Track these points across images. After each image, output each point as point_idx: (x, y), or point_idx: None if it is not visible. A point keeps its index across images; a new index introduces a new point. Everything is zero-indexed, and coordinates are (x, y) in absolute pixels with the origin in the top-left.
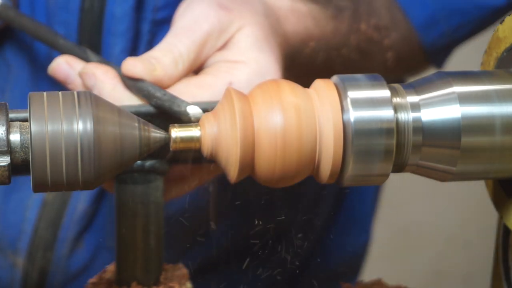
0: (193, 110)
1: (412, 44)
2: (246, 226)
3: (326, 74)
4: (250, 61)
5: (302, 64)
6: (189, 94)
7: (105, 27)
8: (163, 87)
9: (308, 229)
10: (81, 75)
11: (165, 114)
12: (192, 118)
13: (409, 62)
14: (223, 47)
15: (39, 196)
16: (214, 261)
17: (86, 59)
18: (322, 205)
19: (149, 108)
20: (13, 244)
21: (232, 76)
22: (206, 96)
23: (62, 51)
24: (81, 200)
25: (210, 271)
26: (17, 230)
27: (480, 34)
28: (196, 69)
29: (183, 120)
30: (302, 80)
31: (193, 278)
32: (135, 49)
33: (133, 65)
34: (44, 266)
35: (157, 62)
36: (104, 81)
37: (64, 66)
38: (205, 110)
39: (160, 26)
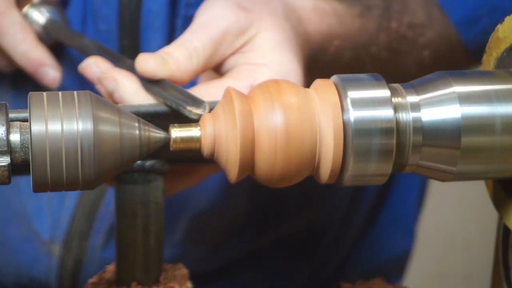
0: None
1: (452, 41)
2: (282, 226)
3: (354, 72)
4: (273, 63)
5: (326, 63)
6: (209, 95)
7: (143, 22)
8: (176, 82)
9: (345, 231)
10: (101, 79)
11: (185, 102)
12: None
13: (450, 60)
14: (242, 48)
15: None
16: (245, 260)
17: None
18: (361, 207)
19: (149, 108)
20: (51, 232)
21: (254, 79)
22: None
23: (87, 53)
24: None
25: (241, 270)
26: (56, 218)
27: None
28: (214, 67)
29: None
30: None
31: (228, 273)
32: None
33: (144, 61)
34: (79, 255)
35: (170, 57)
36: (126, 85)
37: (93, 67)
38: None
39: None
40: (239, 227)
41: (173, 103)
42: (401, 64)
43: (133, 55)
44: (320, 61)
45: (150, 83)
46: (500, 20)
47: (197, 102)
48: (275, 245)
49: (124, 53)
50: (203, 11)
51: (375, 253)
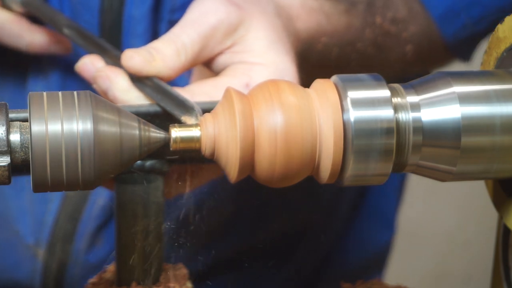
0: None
1: (433, 37)
2: (265, 225)
3: (340, 69)
4: (268, 63)
5: (315, 60)
6: (204, 93)
7: (124, 28)
8: (163, 78)
9: (328, 226)
10: (95, 78)
11: (177, 109)
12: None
13: (430, 55)
14: (233, 47)
15: None
16: (233, 260)
17: (108, 52)
18: (343, 202)
19: (149, 108)
20: (35, 236)
21: (249, 78)
22: (221, 96)
23: (85, 46)
24: (101, 195)
25: (228, 269)
26: (39, 222)
27: None
28: (204, 63)
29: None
30: (316, 76)
31: (209, 276)
32: None
33: (131, 57)
34: (63, 259)
35: (157, 53)
36: (118, 83)
37: (89, 66)
38: (205, 111)
39: None
40: (225, 228)
41: (165, 107)
42: (386, 60)
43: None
44: (308, 59)
45: (139, 81)
46: (477, 15)
47: (189, 109)
48: (260, 245)
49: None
50: (194, 6)
51: (357, 248)
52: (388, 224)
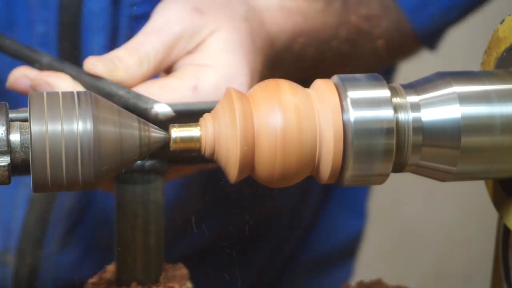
0: (162, 109)
1: (404, 29)
2: (233, 217)
3: (316, 68)
4: (218, 65)
5: (292, 61)
6: (151, 95)
7: (83, 23)
8: (124, 86)
9: (297, 216)
10: (34, 87)
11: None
12: (160, 116)
13: (401, 48)
14: (193, 50)
15: (27, 193)
16: (201, 252)
17: (39, 60)
18: (311, 191)
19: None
20: (3, 243)
21: (197, 80)
22: (168, 98)
23: (9, 53)
24: (68, 197)
25: (197, 261)
26: (7, 228)
27: (472, 15)
28: (166, 71)
29: (150, 118)
30: (291, 76)
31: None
32: (114, 45)
33: (94, 65)
34: (34, 263)
35: (120, 62)
36: (61, 86)
37: (24, 79)
38: (180, 112)
39: (138, 21)
40: (198, 217)
41: (121, 99)
42: (358, 56)
43: (74, 57)
44: (286, 59)
45: (91, 79)
46: (445, 5)
47: (146, 101)
48: (228, 238)
49: (64, 56)
50: (158, 13)
51: (328, 237)
52: (358, 212)
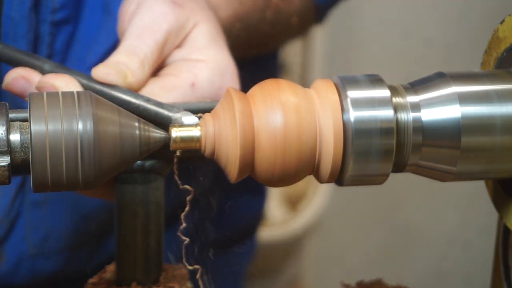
0: (190, 121)
1: (309, 4)
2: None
3: (244, 52)
4: (209, 59)
5: (229, 47)
6: (154, 96)
7: (3, 31)
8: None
9: (209, 198)
10: (39, 89)
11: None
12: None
13: (303, 21)
14: (181, 44)
15: None
16: None
17: (39, 66)
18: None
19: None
20: None
21: (195, 76)
22: (171, 98)
23: (6, 60)
24: None
25: None
26: None
27: None
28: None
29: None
30: None
31: None
32: (35, 52)
33: (107, 74)
34: None
35: (127, 68)
36: (69, 88)
37: (21, 81)
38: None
39: (60, 27)
40: None
41: (140, 107)
42: (277, 35)
43: None
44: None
45: (105, 88)
46: None
47: (169, 109)
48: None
49: None
50: (141, 11)
51: (228, 218)
52: (258, 191)
